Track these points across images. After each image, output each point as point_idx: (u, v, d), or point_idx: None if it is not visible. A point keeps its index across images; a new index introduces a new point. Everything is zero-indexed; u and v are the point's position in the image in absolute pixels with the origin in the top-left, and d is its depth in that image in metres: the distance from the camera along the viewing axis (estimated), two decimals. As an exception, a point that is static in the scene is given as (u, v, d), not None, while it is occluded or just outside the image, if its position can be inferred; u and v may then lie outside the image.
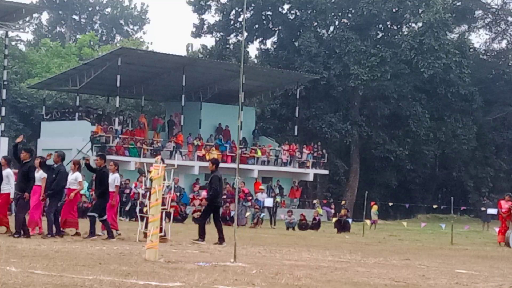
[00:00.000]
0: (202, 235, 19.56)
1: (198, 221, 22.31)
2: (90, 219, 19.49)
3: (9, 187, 18.87)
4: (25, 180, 18.44)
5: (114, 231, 20.02)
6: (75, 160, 21.07)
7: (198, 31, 62.40)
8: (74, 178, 20.02)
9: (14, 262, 12.20)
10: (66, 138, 43.96)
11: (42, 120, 49.48)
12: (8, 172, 18.92)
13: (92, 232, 19.13)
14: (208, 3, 60.69)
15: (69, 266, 11.92)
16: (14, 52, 59.97)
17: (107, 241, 18.44)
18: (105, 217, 19.53)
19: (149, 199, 13.98)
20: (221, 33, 61.71)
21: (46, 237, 18.40)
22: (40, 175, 19.03)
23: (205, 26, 62.22)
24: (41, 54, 64.41)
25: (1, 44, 50.68)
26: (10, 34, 48.72)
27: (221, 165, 24.73)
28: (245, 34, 56.47)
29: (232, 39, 61.91)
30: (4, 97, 44.11)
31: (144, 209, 14.93)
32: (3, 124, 43.37)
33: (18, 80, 56.81)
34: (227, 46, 61.26)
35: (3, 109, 43.71)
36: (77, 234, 19.84)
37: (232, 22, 60.76)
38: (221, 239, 19.50)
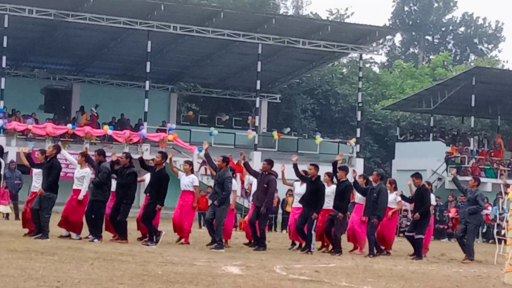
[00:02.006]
0: None
1: None
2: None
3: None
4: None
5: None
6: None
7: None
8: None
9: (371, 281, 12.12)
10: (420, 159, 43.75)
11: (396, 141, 49.83)
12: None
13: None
14: None
15: (426, 288, 11.58)
16: (368, 74, 61.16)
17: (464, 263, 17.74)
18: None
19: (507, 221, 13.22)
20: None
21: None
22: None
23: None
24: (394, 75, 65.06)
25: (356, 66, 51.96)
26: (364, 56, 49.75)
27: None
28: None
29: None
30: (359, 118, 45.05)
31: (502, 232, 14.23)
32: (358, 145, 44.29)
33: (372, 102, 57.76)
34: None
35: (358, 130, 44.63)
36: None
37: None
38: None
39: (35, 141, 35.58)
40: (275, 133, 43.98)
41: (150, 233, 17.64)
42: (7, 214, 26.49)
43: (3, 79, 36.92)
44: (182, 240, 18.82)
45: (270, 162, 18.72)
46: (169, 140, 38.39)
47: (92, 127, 38.39)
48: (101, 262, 12.74)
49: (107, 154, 18.56)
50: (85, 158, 17.94)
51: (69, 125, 37.72)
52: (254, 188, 19.10)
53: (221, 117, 49.49)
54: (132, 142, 37.34)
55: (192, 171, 19.18)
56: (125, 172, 17.68)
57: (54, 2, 36.77)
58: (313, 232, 18.22)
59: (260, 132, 44.83)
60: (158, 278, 11.13)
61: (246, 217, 21.23)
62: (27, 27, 39.68)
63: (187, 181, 18.86)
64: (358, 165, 41.84)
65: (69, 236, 17.69)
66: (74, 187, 17.76)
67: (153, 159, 19.17)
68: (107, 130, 37.73)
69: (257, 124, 43.60)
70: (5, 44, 36.45)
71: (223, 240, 18.06)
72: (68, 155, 19.37)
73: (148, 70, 39.86)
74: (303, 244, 18.61)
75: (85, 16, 37.69)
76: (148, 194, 18.09)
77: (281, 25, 41.28)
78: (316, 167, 18.50)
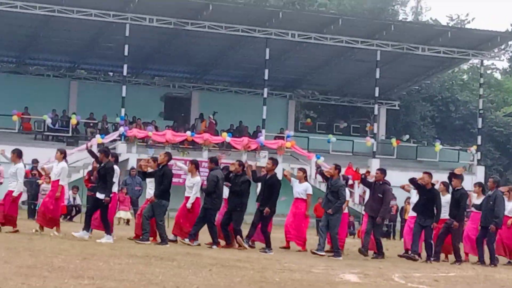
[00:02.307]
0: None
1: None
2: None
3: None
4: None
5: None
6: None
7: None
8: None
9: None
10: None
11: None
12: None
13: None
14: None
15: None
16: (490, 80, 59.77)
17: None
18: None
19: None
20: None
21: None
22: None
23: None
24: (516, 81, 63.42)
25: (477, 73, 50.86)
26: (486, 62, 48.64)
27: None
28: None
29: None
30: (480, 125, 44.01)
31: None
32: (479, 153, 43.28)
33: (494, 109, 56.40)
34: None
35: (479, 137, 43.61)
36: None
37: None
38: None
39: (155, 148, 36.23)
40: (393, 140, 43.48)
41: (266, 240, 17.63)
42: (128, 220, 27.01)
43: (124, 87, 37.79)
44: (300, 248, 18.79)
45: (383, 171, 18.64)
46: (287, 147, 38.42)
47: (210, 134, 38.81)
48: (219, 268, 12.77)
49: (222, 161, 18.67)
50: (195, 166, 18.04)
51: (188, 132, 38.27)
52: (366, 197, 18.95)
53: (339, 124, 49.28)
54: (250, 149, 37.57)
55: (305, 179, 19.10)
56: (238, 180, 17.70)
57: (174, 11, 37.41)
58: (431, 242, 17.91)
59: (379, 139, 44.39)
60: (276, 285, 11.07)
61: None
62: (147, 35, 40.52)
63: (300, 189, 18.87)
64: (479, 173, 40.95)
65: (176, 241, 17.82)
66: (186, 194, 17.93)
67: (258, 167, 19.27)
68: (226, 137, 38.08)
69: (375, 131, 43.18)
70: (126, 53, 37.30)
71: (340, 249, 17.94)
72: (179, 163, 19.70)
73: (266, 77, 40.04)
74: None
75: (204, 24, 38.19)
76: (259, 202, 18.07)
77: (400, 31, 40.79)
78: (430, 175, 18.17)
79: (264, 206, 17.60)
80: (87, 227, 17.24)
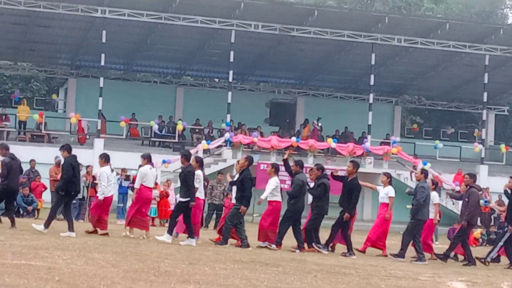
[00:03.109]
0: None
1: None
2: None
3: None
4: None
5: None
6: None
7: None
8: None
9: None
10: None
11: None
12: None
13: None
14: None
15: None
16: None
17: None
18: None
19: None
20: None
21: None
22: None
23: None
24: None
25: None
26: None
27: None
28: None
29: None
30: None
31: None
32: None
33: None
34: None
35: None
36: None
37: None
38: None
39: (260, 154, 36.34)
40: (502, 146, 42.43)
41: (348, 245, 17.55)
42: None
43: (229, 93, 38.06)
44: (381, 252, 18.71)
45: (472, 176, 18.60)
46: (393, 153, 37.94)
47: (315, 140, 38.69)
48: (324, 275, 12.67)
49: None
50: (275, 170, 18.06)
51: (294, 138, 38.24)
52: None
53: (446, 130, 48.45)
54: (355, 155, 37.24)
55: (389, 183, 18.97)
56: (316, 183, 17.69)
57: (279, 17, 37.48)
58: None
59: (487, 145, 43.44)
60: (382, 292, 10.92)
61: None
62: (252, 42, 40.76)
63: (383, 193, 18.88)
64: None
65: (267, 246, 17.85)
66: (269, 198, 17.97)
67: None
68: (331, 143, 37.89)
69: (483, 137, 42.24)
70: (231, 59, 37.56)
71: (424, 254, 17.83)
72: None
73: (372, 82, 39.68)
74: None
75: (310, 30, 38.13)
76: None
77: (509, 35, 39.71)
78: None
79: (344, 210, 17.54)
80: (171, 230, 17.42)
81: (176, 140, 39.25)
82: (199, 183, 17.59)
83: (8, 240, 14.55)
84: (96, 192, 23.24)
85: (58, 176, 25.52)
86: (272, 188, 17.63)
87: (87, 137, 37.91)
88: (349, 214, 17.42)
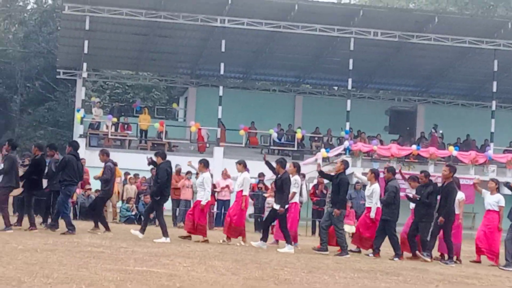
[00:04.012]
0: None
1: None
2: None
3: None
4: None
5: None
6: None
7: None
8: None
9: None
10: None
11: None
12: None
13: None
14: None
15: None
16: None
17: None
18: None
19: None
20: None
21: None
22: None
23: None
24: None
25: None
26: None
27: None
28: None
29: None
30: None
31: None
32: None
33: None
34: None
35: None
36: None
37: None
38: None
39: (380, 162, 35.95)
40: None
41: (449, 251, 17.25)
42: (352, 234, 26.93)
43: (349, 101, 37.83)
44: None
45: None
46: (517, 161, 36.89)
47: (435, 147, 38.01)
48: (446, 285, 12.40)
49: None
50: (375, 175, 18.14)
51: (414, 146, 37.68)
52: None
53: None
54: (478, 163, 36.40)
55: (498, 190, 18.50)
56: (424, 190, 17.35)
57: (398, 24, 37.10)
58: None
59: None
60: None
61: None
62: (371, 49, 40.44)
63: (492, 200, 18.28)
64: None
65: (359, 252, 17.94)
66: (367, 205, 18.15)
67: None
68: (452, 151, 37.14)
69: None
70: (350, 67, 37.34)
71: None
72: (360, 175, 19.96)
73: (494, 89, 38.70)
74: None
75: (430, 36, 37.54)
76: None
77: None
78: None
79: (440, 215, 17.17)
80: (265, 237, 17.58)
81: (295, 148, 39.26)
82: (297, 188, 17.95)
83: (130, 247, 14.86)
84: (215, 199, 23.47)
85: (179, 184, 26.18)
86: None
87: (207, 145, 38.31)
88: (443, 218, 17.03)
